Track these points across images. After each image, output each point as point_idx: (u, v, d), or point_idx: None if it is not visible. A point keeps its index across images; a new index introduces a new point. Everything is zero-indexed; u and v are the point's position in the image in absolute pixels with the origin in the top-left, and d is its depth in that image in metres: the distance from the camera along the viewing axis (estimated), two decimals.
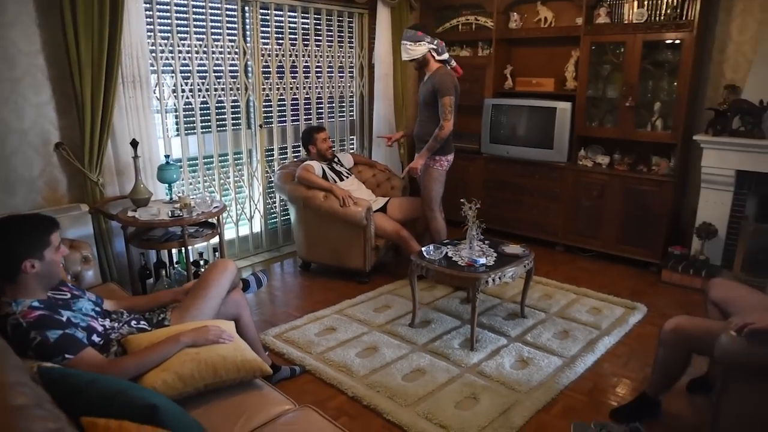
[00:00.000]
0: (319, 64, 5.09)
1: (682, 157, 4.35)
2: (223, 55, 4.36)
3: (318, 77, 5.11)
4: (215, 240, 3.76)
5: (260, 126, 4.74)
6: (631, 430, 2.37)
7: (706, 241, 4.12)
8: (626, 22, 4.36)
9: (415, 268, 3.34)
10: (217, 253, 3.74)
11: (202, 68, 4.27)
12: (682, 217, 4.62)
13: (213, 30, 4.26)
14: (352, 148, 5.66)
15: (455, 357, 3.13)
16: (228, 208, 4.65)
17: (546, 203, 4.94)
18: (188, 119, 4.27)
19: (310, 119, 5.15)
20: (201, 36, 4.21)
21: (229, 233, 4.76)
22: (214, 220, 3.67)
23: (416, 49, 3.90)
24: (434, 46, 3.93)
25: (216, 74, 4.37)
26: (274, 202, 5.04)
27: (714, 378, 2.29)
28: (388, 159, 5.29)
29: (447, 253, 3.38)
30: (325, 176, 4.31)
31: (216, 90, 4.38)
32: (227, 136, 4.55)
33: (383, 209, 4.40)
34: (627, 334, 3.44)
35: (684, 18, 4.08)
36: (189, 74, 4.18)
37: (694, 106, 4.41)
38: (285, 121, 4.96)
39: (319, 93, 5.15)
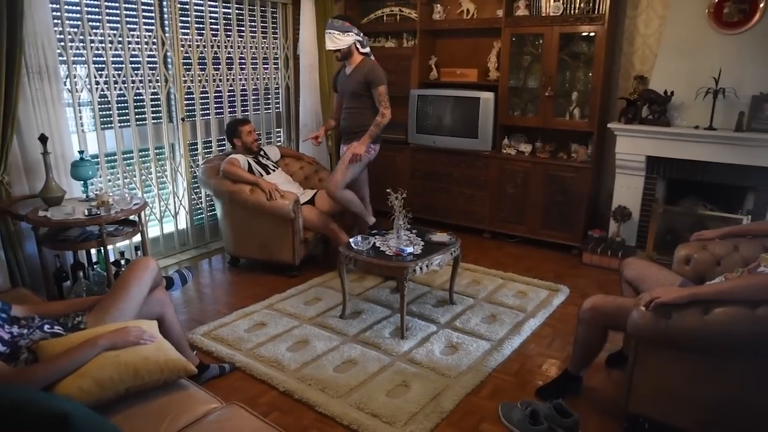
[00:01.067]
0: (242, 56, 4.98)
1: (599, 144, 4.55)
2: (140, 46, 4.18)
3: (242, 69, 5.00)
4: (138, 238, 3.62)
5: (182, 119, 4.59)
6: (554, 407, 2.46)
7: (621, 224, 4.34)
8: (544, 14, 4.50)
9: (343, 260, 3.34)
10: (139, 252, 3.60)
11: (118, 59, 4.08)
12: (600, 201, 4.84)
13: (128, 19, 4.08)
14: (279, 141, 5.58)
15: (386, 346, 3.15)
16: (151, 205, 4.49)
17: (472, 191, 5.05)
18: (105, 113, 4.08)
19: (234, 112, 5.04)
20: (115, 25, 4.03)
21: (153, 231, 4.59)
22: (135, 218, 3.53)
23: (343, 39, 3.89)
24: (360, 38, 3.96)
25: (133, 66, 4.19)
26: (200, 198, 4.90)
27: (628, 351, 2.42)
28: (315, 151, 5.24)
29: (375, 243, 3.40)
30: (251, 170, 4.23)
31: (134, 82, 4.20)
32: (147, 130, 4.38)
33: (311, 202, 4.36)
34: (551, 316, 3.58)
35: (596, 12, 4.26)
36: (103, 65, 3.99)
37: (608, 96, 4.62)
38: (209, 114, 4.83)
39: (243, 85, 5.04)
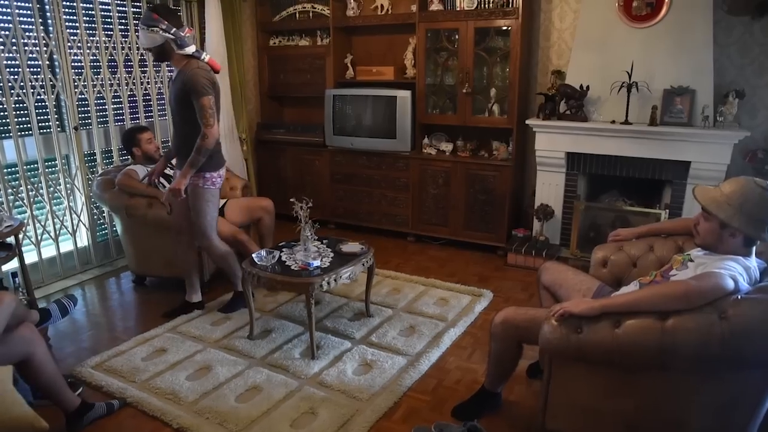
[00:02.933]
0: (143, 58, 4.62)
1: (519, 141, 4.45)
2: (17, 47, 3.78)
3: (143, 72, 4.64)
4: (15, 264, 3.25)
5: (75, 128, 4.20)
6: (468, 430, 2.30)
7: (545, 222, 4.25)
8: (458, 8, 4.36)
9: (247, 276, 3.08)
10: (17, 279, 3.22)
11: None
12: (523, 200, 4.75)
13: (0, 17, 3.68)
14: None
15: (295, 368, 2.92)
16: (43, 224, 4.09)
17: (394, 194, 4.87)
18: None
19: (137, 118, 4.67)
20: None
21: (49, 251, 4.20)
22: (11, 241, 3.16)
23: (149, 37, 3.03)
24: (172, 36, 3.04)
25: (10, 69, 3.78)
26: (102, 212, 4.52)
27: (543, 365, 2.28)
28: (228, 157, 4.92)
29: (281, 257, 3.15)
30: (152, 182, 3.90)
31: (13, 89, 3.79)
32: (33, 142, 3.97)
33: (220, 212, 4.07)
34: (472, 324, 3.43)
35: (510, 5, 4.15)
36: None
37: (527, 92, 4.53)
38: (107, 122, 4.45)
39: (145, 89, 4.68)
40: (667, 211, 3.85)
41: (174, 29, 3.03)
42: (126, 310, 3.80)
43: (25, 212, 3.98)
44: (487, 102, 4.48)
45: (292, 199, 3.15)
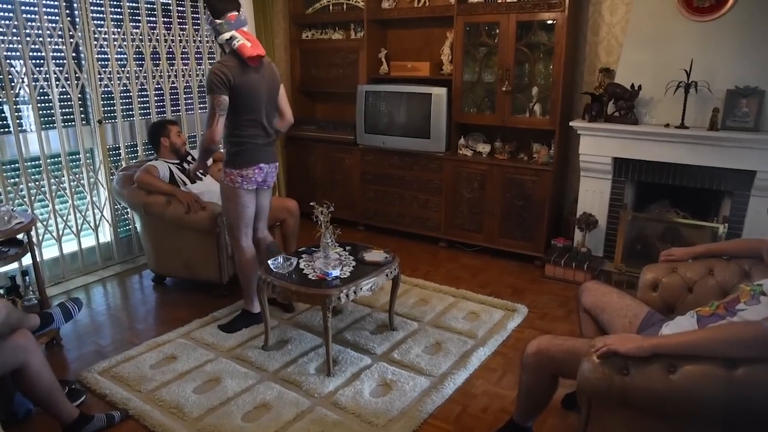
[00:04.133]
0: (171, 50, 4.48)
1: (562, 144, 4.13)
2: (41, 39, 3.68)
3: (171, 65, 4.51)
4: (27, 262, 3.14)
5: (99, 122, 4.10)
6: None
7: (587, 232, 3.93)
8: (500, 1, 4.07)
9: (261, 284, 2.89)
10: (27, 277, 3.11)
11: (13, 54, 3.58)
12: (564, 207, 4.43)
13: (25, 8, 3.58)
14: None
15: (308, 385, 2.71)
16: (65, 219, 4.00)
17: (426, 197, 4.61)
18: None
19: (163, 112, 4.54)
20: (6, 14, 3.52)
21: (71, 246, 4.11)
22: (23, 237, 3.05)
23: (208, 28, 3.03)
24: (208, 27, 2.95)
25: (35, 61, 3.69)
26: (125, 208, 4.41)
27: (580, 403, 2.00)
28: None
29: (299, 264, 2.95)
30: (173, 178, 3.76)
31: (37, 81, 3.70)
32: (57, 135, 3.88)
33: None
34: (504, 342, 3.16)
35: None
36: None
37: (572, 91, 4.21)
38: (132, 116, 4.34)
39: (173, 82, 4.55)
40: (726, 225, 3.48)
41: (211, 18, 2.86)
42: (142, 311, 3.67)
43: (47, 206, 3.90)
44: (528, 101, 4.18)
45: (312, 203, 2.94)
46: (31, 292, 3.06)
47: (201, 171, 3.73)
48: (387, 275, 2.96)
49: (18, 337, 2.20)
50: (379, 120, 4.68)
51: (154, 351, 3.06)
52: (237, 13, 2.87)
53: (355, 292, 2.74)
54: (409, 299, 3.64)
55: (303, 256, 3.07)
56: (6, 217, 2.82)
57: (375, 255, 3.06)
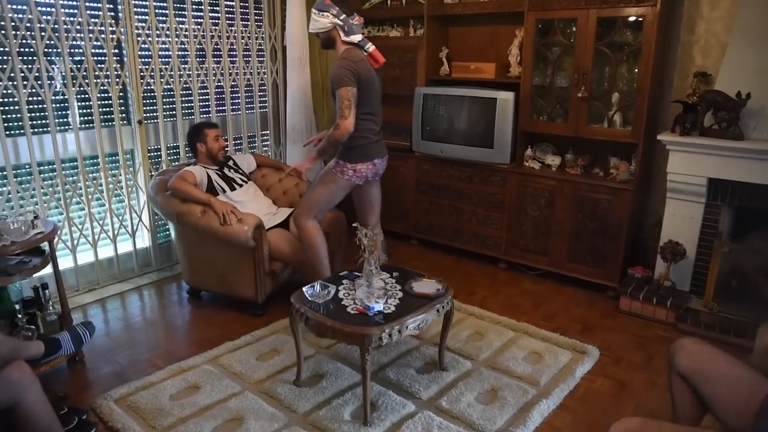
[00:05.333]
0: (217, 47, 4.22)
1: (645, 159, 3.61)
2: (82, 35, 3.47)
3: (217, 63, 4.25)
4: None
5: (139, 122, 3.88)
6: None
7: (672, 263, 3.39)
8: None
9: (295, 313, 2.55)
10: (47, 291, 2.87)
11: (52, 50, 3.39)
12: (644, 232, 3.90)
13: (64, 1, 3.38)
14: (266, 145, 4.82)
15: None
16: (101, 222, 3.81)
17: (487, 212, 4.17)
18: (36, 114, 3.41)
19: (207, 112, 4.29)
20: (47, 9, 3.33)
21: (107, 251, 3.91)
22: (46, 246, 2.83)
23: (319, 21, 3.01)
24: (340, 22, 3.00)
25: (74, 58, 3.49)
26: None
27: None
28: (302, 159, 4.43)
29: (339, 293, 2.59)
30: (210, 184, 3.49)
31: (75, 78, 3.50)
32: (95, 135, 3.68)
33: (285, 223, 3.59)
34: (571, 394, 2.69)
35: None
36: (33, 58, 3.30)
37: (660, 99, 3.68)
38: (174, 116, 4.10)
39: (219, 81, 4.29)
40: None
41: (344, 15, 2.99)
42: (172, 328, 3.41)
43: (83, 209, 3.71)
44: (607, 109, 3.67)
45: (355, 224, 2.58)
46: (50, 306, 2.83)
47: (244, 176, 3.66)
48: (438, 311, 2.56)
49: (11, 370, 1.94)
50: (437, 126, 4.27)
51: (177, 378, 2.77)
52: None
53: (399, 332, 2.36)
54: (463, 331, 3.23)
55: (344, 282, 2.72)
56: (23, 227, 2.59)
57: (425, 285, 2.67)
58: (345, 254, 3.71)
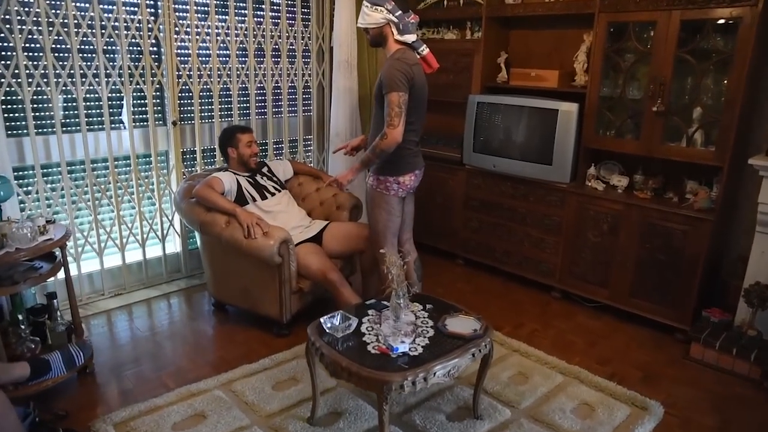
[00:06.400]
0: (260, 46, 4.01)
1: (730, 185, 3.13)
2: (118, 32, 3.32)
3: (259, 63, 4.03)
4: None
5: (174, 123, 3.70)
6: None
7: (759, 310, 2.90)
8: None
9: (310, 347, 2.26)
10: (55, 301, 2.70)
11: (88, 47, 3.25)
12: (724, 269, 3.40)
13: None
14: (309, 151, 4.58)
15: None
16: (130, 225, 3.66)
17: (541, 234, 3.77)
18: (70, 113, 3.29)
19: (247, 115, 4.09)
20: (83, 4, 3.19)
21: (135, 255, 3.77)
22: (58, 252, 2.66)
23: (371, 15, 2.72)
24: (395, 19, 2.70)
25: (109, 56, 3.35)
26: None
27: None
28: (345, 168, 4.15)
29: (362, 326, 2.28)
30: (240, 192, 3.26)
31: (109, 76, 3.35)
32: (127, 136, 3.53)
33: (317, 238, 3.32)
34: None
35: None
36: (68, 55, 3.18)
37: (753, 115, 3.20)
38: (212, 117, 3.91)
39: (260, 82, 4.07)
40: None
41: (399, 12, 2.71)
42: (191, 343, 3.18)
43: (113, 211, 3.56)
44: (687, 126, 3.21)
45: (383, 250, 2.27)
46: (59, 316, 2.65)
47: (279, 184, 3.46)
48: (473, 355, 2.20)
49: None
50: (491, 138, 3.90)
51: (184, 403, 2.54)
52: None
53: (425, 379, 2.02)
54: (505, 371, 2.85)
55: (369, 312, 2.41)
56: (30, 234, 2.41)
57: (461, 323, 2.32)
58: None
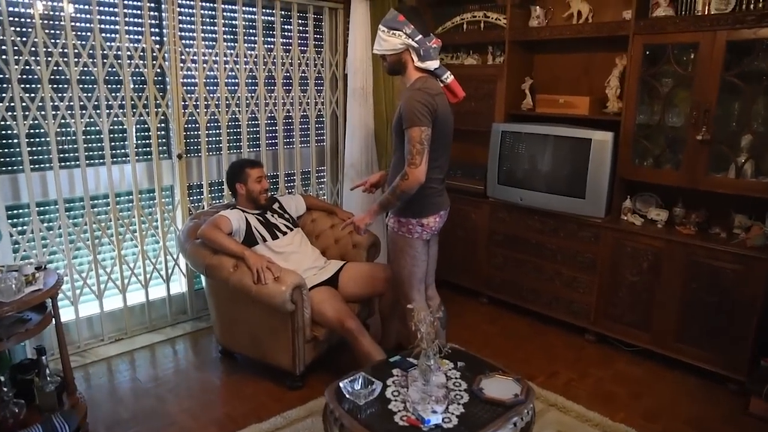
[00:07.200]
0: (270, 75, 3.81)
1: None
2: (120, 61, 3.13)
3: (269, 91, 3.83)
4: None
5: (179, 156, 3.49)
6: None
7: None
8: (700, 12, 2.91)
9: (328, 415, 1.98)
10: (44, 358, 2.44)
11: (87, 77, 3.06)
12: None
13: (103, 26, 3.06)
14: (322, 183, 4.35)
15: None
16: (132, 266, 3.42)
17: (573, 272, 3.49)
18: (65, 146, 3.08)
19: (257, 146, 3.87)
20: (85, 33, 3.01)
21: (137, 297, 3.53)
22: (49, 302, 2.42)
23: (388, 41, 2.44)
24: (415, 44, 2.41)
25: (110, 86, 3.15)
26: None
27: None
28: (363, 203, 3.92)
29: (386, 389, 2.01)
30: (249, 231, 3.02)
31: (110, 107, 3.15)
32: (129, 170, 3.32)
33: (333, 280, 3.06)
34: None
35: None
36: (66, 85, 2.98)
37: None
38: (220, 149, 3.70)
39: (271, 112, 3.86)
40: None
41: (419, 36, 2.42)
42: (195, 398, 2.90)
43: (113, 251, 3.33)
44: (735, 155, 2.94)
45: (410, 305, 2.01)
46: (48, 374, 2.39)
47: (291, 221, 3.23)
48: (515, 424, 1.92)
49: None
50: (517, 169, 3.65)
51: None
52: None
53: None
54: (544, 430, 2.56)
55: (395, 373, 2.14)
56: (15, 285, 2.17)
57: (499, 386, 2.04)
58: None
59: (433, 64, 2.48)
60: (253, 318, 2.88)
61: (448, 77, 2.53)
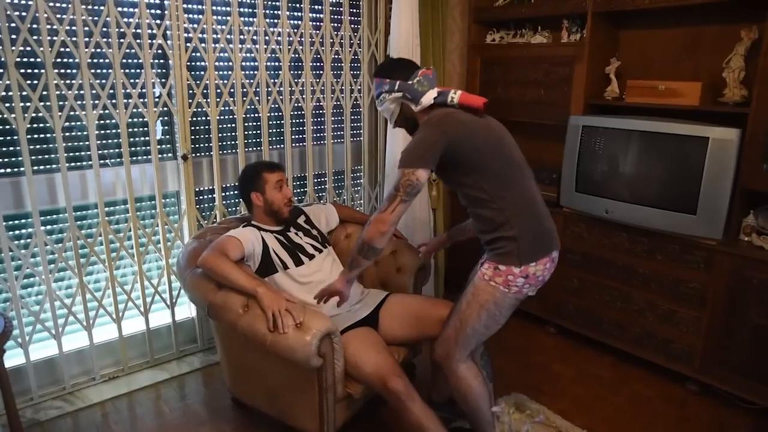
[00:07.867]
0: (297, 56, 3.15)
1: None
2: (109, 40, 2.51)
3: (295, 78, 3.17)
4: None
5: (185, 157, 2.86)
6: None
7: None
8: None
9: None
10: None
11: (71, 61, 2.45)
12: None
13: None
14: (358, 186, 3.68)
15: None
16: (128, 289, 2.83)
17: (672, 306, 2.76)
18: (45, 146, 2.48)
19: (281, 142, 3.23)
20: (62, 4, 2.39)
21: (136, 325, 2.94)
22: None
23: (384, 108, 2.15)
24: (399, 94, 2.07)
25: (96, 71, 2.54)
26: None
27: None
28: (409, 214, 3.23)
29: None
30: (267, 258, 2.37)
31: (99, 98, 2.54)
32: (123, 173, 2.71)
33: (373, 317, 2.41)
34: None
35: None
36: (41, 70, 2.38)
37: None
38: (235, 148, 3.07)
39: (297, 102, 3.21)
40: None
41: (399, 82, 2.09)
42: None
43: (104, 272, 2.74)
44: None
45: (496, 408, 1.39)
46: None
47: (321, 239, 2.66)
48: None
49: None
50: (602, 174, 2.93)
51: None
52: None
53: None
54: None
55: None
56: None
57: None
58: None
59: (431, 95, 2.07)
60: (270, 371, 2.25)
61: (454, 97, 2.04)
